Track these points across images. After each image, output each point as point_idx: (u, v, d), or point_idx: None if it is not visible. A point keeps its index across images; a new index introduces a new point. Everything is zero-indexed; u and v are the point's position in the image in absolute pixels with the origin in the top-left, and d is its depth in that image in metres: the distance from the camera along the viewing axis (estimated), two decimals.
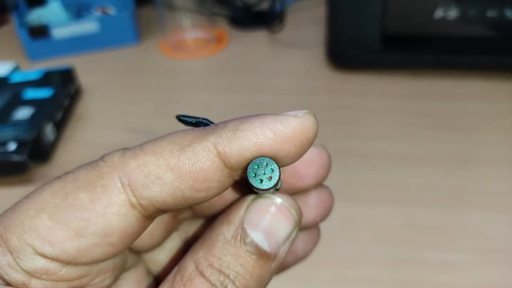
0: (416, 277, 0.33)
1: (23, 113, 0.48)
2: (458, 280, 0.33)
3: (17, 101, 0.50)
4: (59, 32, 0.64)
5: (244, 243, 0.15)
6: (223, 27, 0.70)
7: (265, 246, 0.15)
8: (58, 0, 0.67)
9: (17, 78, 0.55)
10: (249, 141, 0.15)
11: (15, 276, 0.14)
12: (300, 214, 0.17)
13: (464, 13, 0.51)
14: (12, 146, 0.43)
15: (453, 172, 0.42)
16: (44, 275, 0.14)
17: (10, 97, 0.51)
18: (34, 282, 0.14)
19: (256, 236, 0.15)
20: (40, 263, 0.14)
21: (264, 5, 0.70)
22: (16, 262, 0.14)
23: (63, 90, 0.53)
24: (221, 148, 0.15)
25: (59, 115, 0.50)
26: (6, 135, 0.45)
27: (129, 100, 0.56)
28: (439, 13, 0.51)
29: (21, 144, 0.44)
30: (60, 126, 0.50)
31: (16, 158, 0.42)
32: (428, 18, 0.52)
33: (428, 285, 0.33)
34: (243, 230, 0.16)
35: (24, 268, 0.14)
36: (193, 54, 0.65)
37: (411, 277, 0.33)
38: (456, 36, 0.52)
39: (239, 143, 0.15)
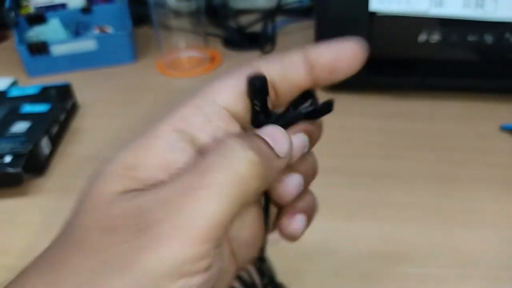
0: None
1: (19, 126, 0.50)
2: None
3: (14, 115, 0.52)
4: (57, 49, 0.66)
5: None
6: (217, 47, 0.72)
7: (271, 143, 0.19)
8: (57, 18, 0.69)
9: (15, 92, 0.57)
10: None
11: None
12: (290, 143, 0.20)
13: (446, 38, 0.53)
14: (7, 159, 0.45)
15: (434, 190, 0.43)
16: None
17: (8, 111, 0.53)
18: None
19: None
20: None
21: (257, 28, 0.73)
22: None
23: (60, 105, 0.54)
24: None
25: (54, 129, 0.52)
26: (2, 147, 0.46)
27: (124, 116, 0.58)
28: (423, 37, 0.53)
29: (16, 156, 0.45)
30: (55, 140, 0.52)
31: (11, 170, 0.44)
32: (412, 41, 0.54)
33: None
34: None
35: None
36: (188, 73, 0.67)
37: None
38: (439, 59, 0.55)
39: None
